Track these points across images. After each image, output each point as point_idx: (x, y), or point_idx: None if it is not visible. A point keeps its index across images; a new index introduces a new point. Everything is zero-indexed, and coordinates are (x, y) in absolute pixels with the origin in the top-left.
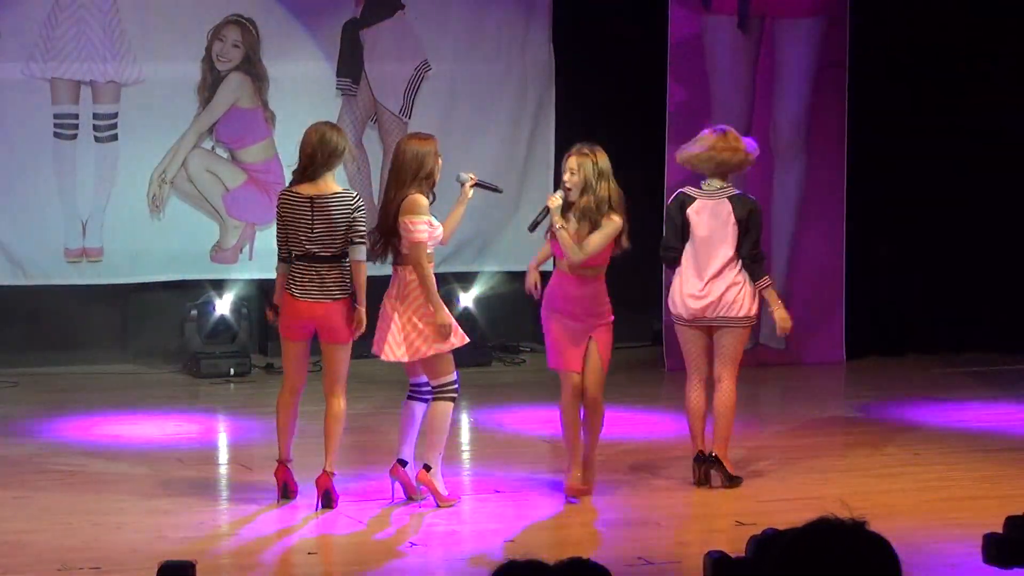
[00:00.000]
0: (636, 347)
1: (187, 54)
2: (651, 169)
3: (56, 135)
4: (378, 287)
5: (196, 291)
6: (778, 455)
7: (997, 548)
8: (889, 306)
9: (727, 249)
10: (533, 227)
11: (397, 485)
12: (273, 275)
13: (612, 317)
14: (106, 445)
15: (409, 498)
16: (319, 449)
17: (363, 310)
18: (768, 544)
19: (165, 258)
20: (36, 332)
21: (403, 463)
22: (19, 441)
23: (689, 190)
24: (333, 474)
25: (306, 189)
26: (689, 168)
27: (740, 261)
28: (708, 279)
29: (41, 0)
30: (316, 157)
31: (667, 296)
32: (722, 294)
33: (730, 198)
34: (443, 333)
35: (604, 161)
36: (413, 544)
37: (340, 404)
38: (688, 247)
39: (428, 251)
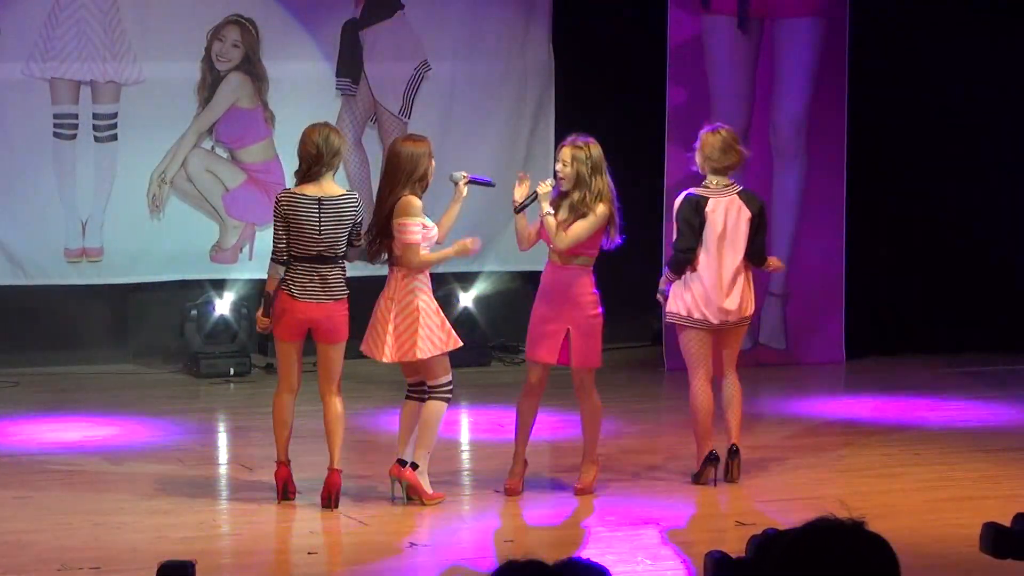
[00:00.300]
0: (636, 347)
1: (187, 54)
2: (651, 169)
3: (56, 135)
4: (377, 287)
5: (196, 291)
6: (778, 455)
7: (996, 538)
8: (889, 306)
9: (740, 246)
10: (519, 209)
11: (397, 485)
12: None
13: (598, 311)
14: (106, 445)
15: (409, 498)
16: (317, 449)
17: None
18: (768, 544)
19: (165, 258)
20: (36, 332)
21: (403, 463)
22: (19, 441)
23: (699, 191)
24: (340, 471)
25: (311, 190)
26: (711, 168)
27: (746, 258)
28: (729, 282)
29: (41, 0)
30: (321, 158)
31: (677, 299)
32: (741, 295)
33: (739, 194)
34: (463, 246)
35: (597, 153)
36: (413, 544)
37: (339, 403)
38: (700, 248)
39: (423, 251)
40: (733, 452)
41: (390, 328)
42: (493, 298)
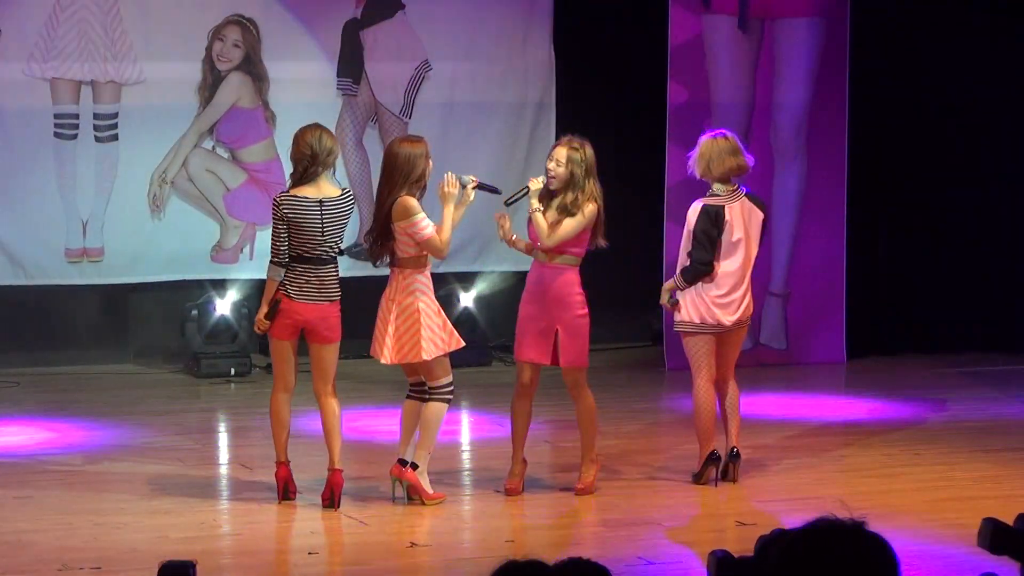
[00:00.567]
0: (636, 347)
1: (188, 54)
2: (651, 169)
3: (56, 135)
4: (378, 286)
5: (196, 291)
6: (778, 455)
7: (995, 534)
8: (889, 306)
9: (754, 250)
10: (509, 203)
11: (398, 485)
12: None
13: (585, 310)
14: (107, 445)
15: (410, 498)
16: (316, 449)
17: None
18: (769, 544)
19: (165, 258)
20: (37, 332)
21: (403, 463)
22: (20, 441)
23: (713, 201)
24: (342, 470)
25: (310, 192)
26: (713, 176)
27: None
28: (744, 286)
29: (42, 0)
30: (316, 159)
31: (689, 307)
32: (750, 298)
33: (748, 198)
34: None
35: (591, 155)
36: (413, 544)
37: (336, 402)
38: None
39: (425, 253)
40: (734, 455)
41: (390, 330)
42: (493, 298)
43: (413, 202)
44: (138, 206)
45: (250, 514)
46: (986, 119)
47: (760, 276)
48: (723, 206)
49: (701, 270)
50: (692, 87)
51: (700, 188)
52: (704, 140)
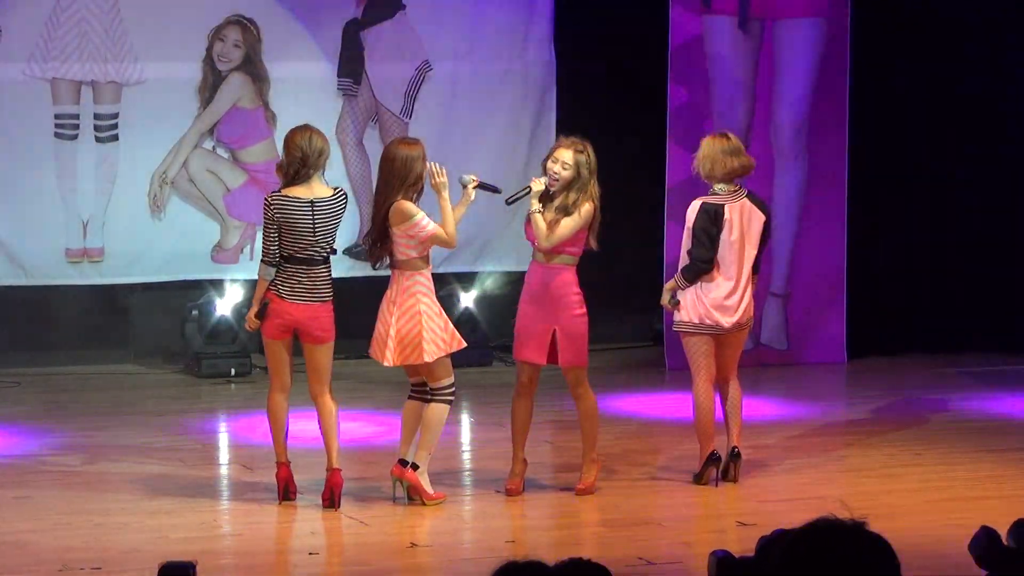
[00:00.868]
0: (637, 347)
1: (188, 54)
2: (652, 169)
3: (57, 135)
4: (379, 287)
5: (197, 291)
6: (779, 455)
7: (989, 547)
8: (890, 306)
9: (752, 250)
10: (510, 201)
11: (398, 485)
12: None
13: (583, 310)
14: (107, 445)
15: (410, 498)
16: (316, 450)
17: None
18: (770, 544)
19: (166, 258)
20: (37, 332)
21: (404, 463)
22: (20, 441)
23: (713, 199)
24: (340, 470)
25: (302, 193)
26: (715, 177)
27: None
28: (743, 288)
29: (43, 0)
30: (307, 160)
31: (688, 308)
32: (750, 299)
33: (750, 199)
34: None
35: (594, 159)
36: (414, 544)
37: (331, 401)
38: (717, 257)
39: (426, 254)
40: (734, 455)
41: (392, 332)
42: (494, 298)
43: (409, 205)
44: (138, 206)
45: (250, 514)
46: (987, 119)
47: (761, 277)
48: (723, 204)
49: (702, 268)
50: (692, 87)
51: (701, 188)
52: (706, 141)
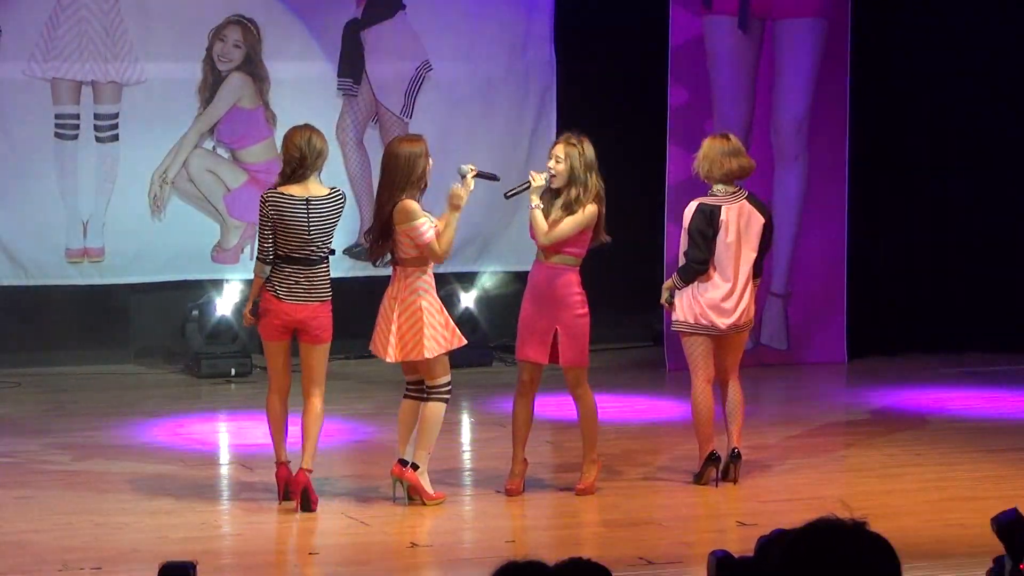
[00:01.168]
0: (637, 347)
1: (188, 54)
2: (652, 169)
3: (57, 135)
4: (379, 286)
5: (197, 291)
6: (779, 455)
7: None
8: (890, 306)
9: (750, 252)
10: (509, 195)
11: (398, 485)
12: None
13: (585, 310)
14: (107, 445)
15: (410, 498)
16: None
17: None
18: (769, 544)
19: (166, 258)
20: (37, 332)
21: (404, 463)
22: (20, 441)
23: (710, 200)
24: (311, 471)
25: (298, 191)
26: (714, 177)
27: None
28: (742, 288)
29: (43, 0)
30: (305, 160)
31: (685, 308)
32: (749, 302)
33: (748, 199)
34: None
35: (590, 152)
36: (414, 544)
37: (320, 403)
38: (713, 258)
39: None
40: (735, 455)
41: (394, 328)
42: (494, 298)
43: (415, 206)
44: (139, 206)
45: (250, 514)
46: (988, 118)
47: (761, 277)
48: (719, 206)
49: (697, 269)
50: (693, 87)
51: (701, 188)
52: (706, 141)
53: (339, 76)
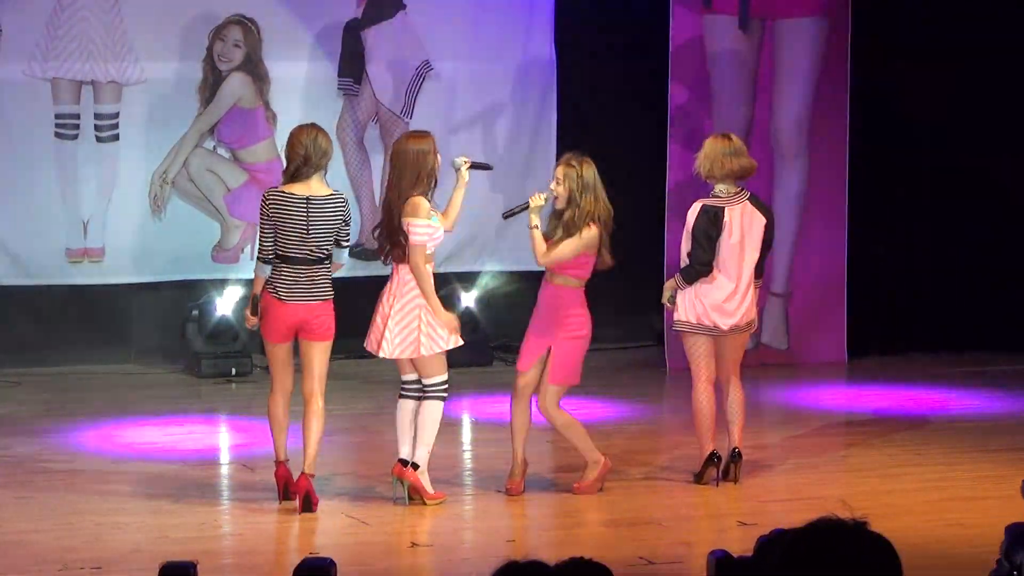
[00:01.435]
0: (638, 347)
1: (188, 54)
2: (652, 169)
3: (57, 135)
4: (380, 287)
5: (197, 291)
6: (779, 455)
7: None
8: (891, 306)
9: (753, 253)
10: (507, 216)
11: (399, 485)
12: None
13: (581, 332)
14: (108, 445)
15: (411, 498)
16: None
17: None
18: (769, 544)
19: (166, 258)
20: (38, 332)
21: (405, 462)
22: (21, 441)
23: (713, 201)
24: (313, 475)
25: (299, 190)
26: (716, 177)
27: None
28: (744, 289)
29: (43, 0)
30: (309, 160)
31: (686, 308)
32: (751, 303)
33: (750, 200)
34: (452, 326)
35: (589, 173)
36: (415, 544)
37: (320, 404)
38: (716, 259)
39: (428, 252)
40: (736, 455)
41: (391, 324)
42: (495, 298)
43: (425, 205)
44: (139, 206)
45: (251, 514)
46: (988, 118)
47: (762, 278)
48: (723, 207)
49: (700, 270)
50: (693, 87)
51: (701, 187)
52: (708, 141)
53: (339, 76)
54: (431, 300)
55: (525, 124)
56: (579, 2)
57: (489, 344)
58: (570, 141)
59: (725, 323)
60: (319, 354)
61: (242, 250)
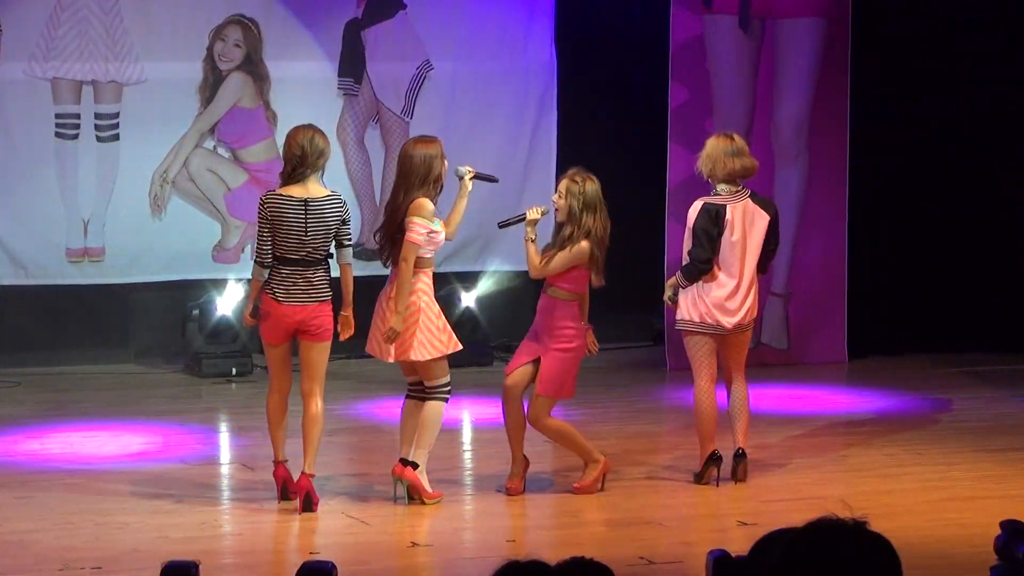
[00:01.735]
0: (638, 347)
1: (189, 54)
2: (653, 169)
3: (58, 135)
4: (380, 287)
5: (198, 291)
6: (780, 455)
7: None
8: (891, 306)
9: (756, 251)
10: (503, 225)
11: (399, 484)
12: None
13: (569, 345)
14: (107, 445)
15: (411, 498)
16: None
17: (351, 312)
18: (769, 544)
19: (167, 258)
20: (38, 332)
21: (405, 462)
22: (21, 441)
23: (714, 200)
24: (313, 475)
25: (296, 192)
26: (717, 177)
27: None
28: (746, 287)
29: (43, 0)
30: (306, 160)
31: (689, 306)
32: (754, 301)
33: (752, 198)
34: (391, 336)
35: (592, 190)
36: (415, 544)
37: (319, 404)
38: (717, 257)
39: (427, 255)
40: (740, 455)
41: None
42: (495, 298)
43: (429, 207)
44: (139, 206)
45: (251, 514)
46: (988, 117)
47: (763, 277)
48: (724, 205)
49: (701, 268)
50: (693, 87)
51: (702, 187)
52: (710, 140)
53: (340, 76)
54: (399, 301)
55: (526, 124)
56: (579, 2)
57: (489, 344)
58: (570, 140)
59: (728, 321)
60: (318, 355)
61: (242, 250)
